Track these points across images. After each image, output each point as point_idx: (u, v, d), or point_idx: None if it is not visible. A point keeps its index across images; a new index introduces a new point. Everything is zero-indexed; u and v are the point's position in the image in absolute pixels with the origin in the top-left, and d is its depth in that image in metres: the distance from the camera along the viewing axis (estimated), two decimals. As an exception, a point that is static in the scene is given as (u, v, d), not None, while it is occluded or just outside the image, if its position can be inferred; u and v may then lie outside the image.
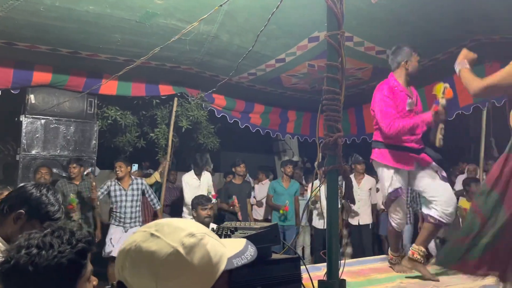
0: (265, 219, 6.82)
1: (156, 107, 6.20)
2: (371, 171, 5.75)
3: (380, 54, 4.98)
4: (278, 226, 1.90)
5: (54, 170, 5.37)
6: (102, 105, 5.93)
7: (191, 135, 6.49)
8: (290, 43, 4.91)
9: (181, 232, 0.88)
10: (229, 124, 6.83)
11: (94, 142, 5.77)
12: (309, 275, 1.95)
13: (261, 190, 7.15)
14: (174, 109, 6.12)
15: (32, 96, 5.36)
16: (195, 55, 5.09)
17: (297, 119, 7.54)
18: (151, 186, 5.89)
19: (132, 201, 5.37)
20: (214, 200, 6.03)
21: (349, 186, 2.39)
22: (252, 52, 3.91)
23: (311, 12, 4.04)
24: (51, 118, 5.46)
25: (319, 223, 6.32)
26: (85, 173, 5.25)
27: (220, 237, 1.77)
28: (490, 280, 2.77)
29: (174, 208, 6.65)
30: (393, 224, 3.32)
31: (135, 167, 6.75)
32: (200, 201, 4.31)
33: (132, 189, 5.41)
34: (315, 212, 6.45)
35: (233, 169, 6.70)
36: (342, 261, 2.27)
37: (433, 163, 3.31)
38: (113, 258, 4.96)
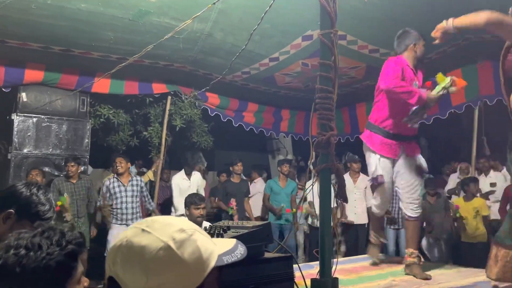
0: (262, 218, 6.81)
1: (149, 106, 6.17)
2: (367, 170, 5.72)
3: (373, 53, 4.98)
4: (273, 225, 1.90)
5: (46, 169, 5.33)
6: (95, 104, 5.89)
7: (185, 134, 6.47)
8: (284, 42, 4.91)
9: (171, 227, 0.89)
10: (223, 123, 6.82)
11: (86, 140, 5.73)
12: (301, 273, 1.94)
13: (253, 188, 7.15)
14: (168, 107, 6.11)
15: (24, 94, 5.31)
16: (189, 53, 5.08)
17: (290, 117, 7.54)
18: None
19: (132, 196, 5.30)
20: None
21: (342, 185, 2.39)
22: (246, 50, 3.91)
23: (305, 11, 4.04)
24: (43, 116, 5.41)
25: (314, 222, 6.32)
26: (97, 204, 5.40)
27: (213, 236, 1.77)
28: (481, 277, 2.80)
29: (167, 207, 6.61)
30: (372, 208, 3.56)
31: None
32: (193, 200, 4.25)
33: (132, 185, 5.35)
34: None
35: (231, 168, 6.72)
36: (335, 260, 2.27)
37: (419, 155, 3.34)
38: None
